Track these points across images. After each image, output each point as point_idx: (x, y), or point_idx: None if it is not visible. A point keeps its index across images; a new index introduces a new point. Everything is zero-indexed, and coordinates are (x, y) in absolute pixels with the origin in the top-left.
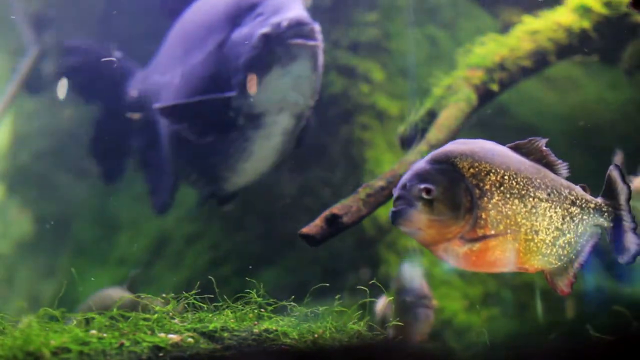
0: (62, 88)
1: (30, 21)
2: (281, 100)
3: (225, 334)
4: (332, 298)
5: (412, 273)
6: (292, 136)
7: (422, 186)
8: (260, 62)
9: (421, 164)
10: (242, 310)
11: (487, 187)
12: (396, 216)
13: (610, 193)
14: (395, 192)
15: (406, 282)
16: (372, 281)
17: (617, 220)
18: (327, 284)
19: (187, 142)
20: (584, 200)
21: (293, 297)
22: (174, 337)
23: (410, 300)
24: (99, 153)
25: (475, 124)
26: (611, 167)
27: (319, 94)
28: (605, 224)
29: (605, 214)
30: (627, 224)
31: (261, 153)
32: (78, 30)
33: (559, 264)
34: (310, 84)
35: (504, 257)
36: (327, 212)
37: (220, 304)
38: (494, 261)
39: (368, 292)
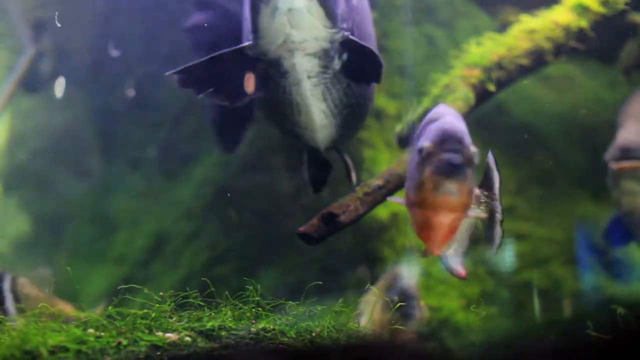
0: (60, 87)
1: (28, 20)
2: (286, 40)
3: (223, 333)
4: (331, 297)
5: (404, 272)
6: (328, 77)
7: (475, 150)
8: (252, 3)
9: (458, 123)
10: (240, 309)
11: None
12: (458, 169)
13: (486, 183)
14: (450, 143)
15: (396, 281)
16: (370, 281)
17: (491, 212)
18: (325, 283)
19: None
20: None
21: (292, 296)
22: (171, 336)
23: (397, 300)
24: (221, 120)
25: (473, 123)
26: (488, 155)
27: (349, 20)
28: (482, 214)
29: (482, 205)
30: (498, 215)
31: (303, 102)
32: (76, 29)
33: (449, 252)
34: (312, 13)
35: (452, 237)
36: (324, 211)
37: (217, 301)
38: (449, 239)
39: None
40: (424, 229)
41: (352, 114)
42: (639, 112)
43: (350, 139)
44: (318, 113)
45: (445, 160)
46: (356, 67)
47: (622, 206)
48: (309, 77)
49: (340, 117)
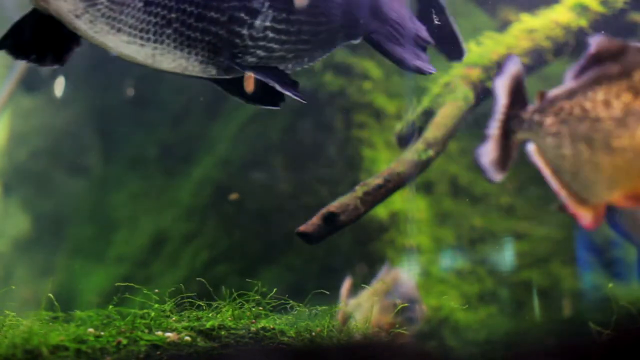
0: (60, 86)
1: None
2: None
3: (223, 332)
4: (331, 296)
5: (403, 275)
6: (101, 9)
7: None
8: None
9: None
10: (240, 308)
11: None
12: None
13: None
14: None
15: (396, 284)
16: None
17: None
18: (326, 283)
19: None
20: None
21: (292, 295)
22: (171, 335)
23: (399, 303)
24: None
25: (472, 122)
26: None
27: None
28: None
29: None
30: None
31: (98, 43)
32: None
33: None
34: None
35: None
36: (324, 210)
37: (217, 302)
38: None
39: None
40: None
41: (195, 28)
42: None
43: (251, 49)
44: (126, 47)
45: None
46: None
47: None
48: (77, 16)
49: (167, 37)
